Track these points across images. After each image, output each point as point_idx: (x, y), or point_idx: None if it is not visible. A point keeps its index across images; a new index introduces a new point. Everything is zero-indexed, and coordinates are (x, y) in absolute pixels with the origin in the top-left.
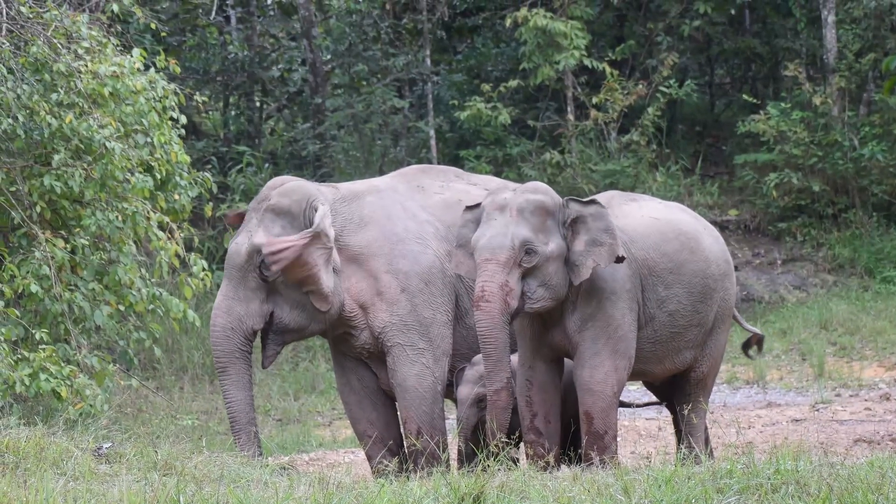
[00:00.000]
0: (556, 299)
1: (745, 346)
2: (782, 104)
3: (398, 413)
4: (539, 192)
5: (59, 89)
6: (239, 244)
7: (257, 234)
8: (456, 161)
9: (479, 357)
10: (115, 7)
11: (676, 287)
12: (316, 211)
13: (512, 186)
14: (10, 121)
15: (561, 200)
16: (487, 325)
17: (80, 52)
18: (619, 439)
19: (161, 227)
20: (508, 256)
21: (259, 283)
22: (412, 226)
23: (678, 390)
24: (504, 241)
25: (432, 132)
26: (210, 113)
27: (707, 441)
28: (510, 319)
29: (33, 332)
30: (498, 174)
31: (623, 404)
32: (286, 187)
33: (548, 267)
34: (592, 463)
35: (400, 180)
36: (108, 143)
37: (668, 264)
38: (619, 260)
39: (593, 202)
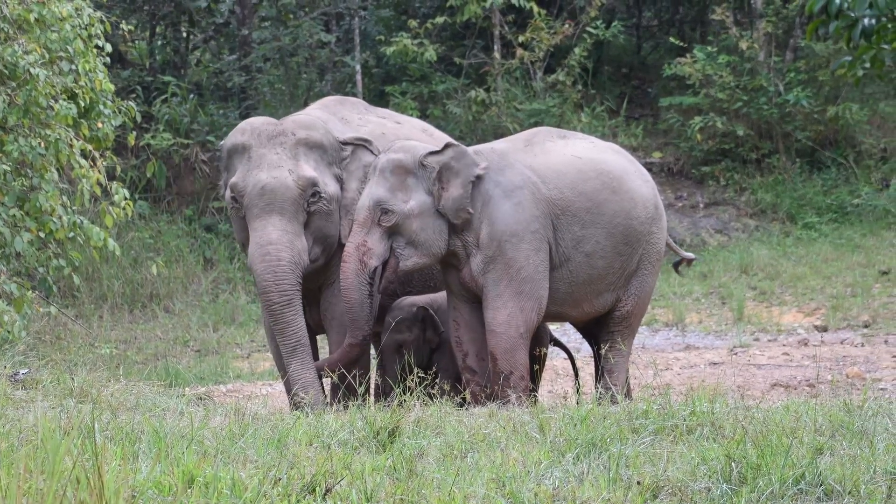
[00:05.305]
0: (429, 256)
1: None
2: (709, 48)
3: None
4: (401, 151)
5: None
6: (281, 178)
7: (303, 167)
8: (381, 97)
9: (399, 301)
10: None
11: (594, 227)
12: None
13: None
14: None
15: (420, 158)
16: (343, 284)
17: None
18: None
19: (84, 154)
20: (365, 217)
21: (305, 218)
22: None
23: (602, 328)
24: (363, 201)
25: (358, 67)
26: (136, 42)
27: (627, 382)
28: (375, 278)
29: None
30: (423, 111)
31: (558, 344)
32: (306, 120)
33: (411, 224)
34: (509, 400)
35: (324, 113)
36: (32, 70)
37: (585, 203)
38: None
39: (448, 146)
